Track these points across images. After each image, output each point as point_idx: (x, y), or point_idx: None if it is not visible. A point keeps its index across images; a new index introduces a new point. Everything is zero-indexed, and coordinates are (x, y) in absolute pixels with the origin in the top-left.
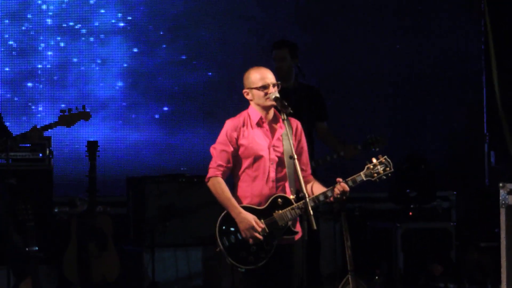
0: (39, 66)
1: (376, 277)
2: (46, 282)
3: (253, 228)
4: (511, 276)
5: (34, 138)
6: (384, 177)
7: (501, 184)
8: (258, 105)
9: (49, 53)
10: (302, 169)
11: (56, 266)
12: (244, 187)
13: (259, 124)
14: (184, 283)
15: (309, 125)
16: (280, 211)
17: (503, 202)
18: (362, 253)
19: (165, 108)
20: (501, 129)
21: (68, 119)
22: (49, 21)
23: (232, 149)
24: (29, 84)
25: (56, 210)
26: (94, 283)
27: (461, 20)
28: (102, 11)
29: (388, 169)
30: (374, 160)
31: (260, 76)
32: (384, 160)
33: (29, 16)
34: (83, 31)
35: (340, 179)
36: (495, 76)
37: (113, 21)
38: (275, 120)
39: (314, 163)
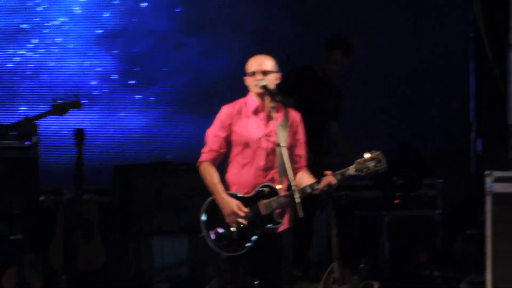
0: (27, 53)
1: (362, 265)
2: (31, 270)
3: (235, 213)
4: (496, 263)
5: (27, 128)
6: (374, 173)
7: (487, 172)
8: (251, 92)
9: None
10: (295, 161)
11: (42, 254)
12: (233, 173)
13: (255, 112)
14: (170, 271)
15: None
16: (265, 200)
17: (489, 190)
18: (348, 241)
19: (151, 98)
20: (489, 116)
21: (60, 108)
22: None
23: (225, 134)
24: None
25: (42, 198)
26: (79, 271)
27: (449, 7)
28: None
29: (379, 165)
30: (366, 155)
31: (253, 63)
32: (375, 156)
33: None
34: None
35: (329, 172)
36: (488, 49)
37: None
38: (273, 109)
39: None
